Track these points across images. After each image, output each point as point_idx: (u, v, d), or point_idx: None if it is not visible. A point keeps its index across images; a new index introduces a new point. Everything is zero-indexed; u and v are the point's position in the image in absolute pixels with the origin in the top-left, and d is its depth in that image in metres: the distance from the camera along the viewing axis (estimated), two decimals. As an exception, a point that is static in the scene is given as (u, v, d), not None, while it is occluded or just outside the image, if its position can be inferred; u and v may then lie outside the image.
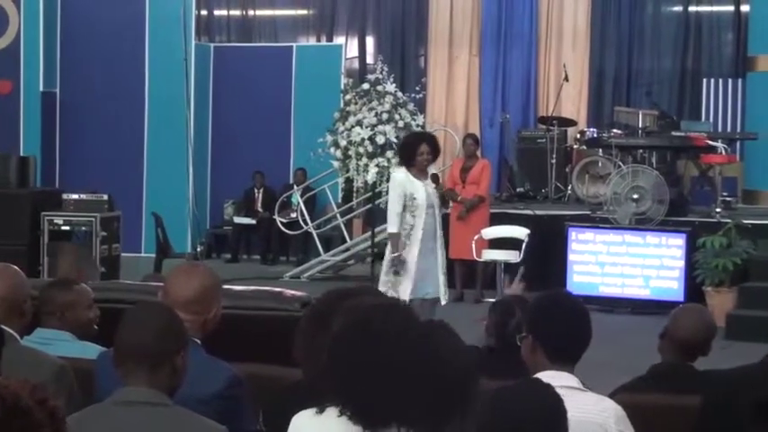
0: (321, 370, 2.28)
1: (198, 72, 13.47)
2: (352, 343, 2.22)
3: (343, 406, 2.21)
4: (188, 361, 2.54)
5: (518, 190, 12.70)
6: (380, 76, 10.97)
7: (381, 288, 7.10)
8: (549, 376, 2.78)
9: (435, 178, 7.30)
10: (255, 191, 13.86)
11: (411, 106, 11.05)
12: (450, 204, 7.01)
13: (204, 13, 15.26)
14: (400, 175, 7.13)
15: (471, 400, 2.21)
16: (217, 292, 3.10)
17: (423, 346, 2.18)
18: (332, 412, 2.25)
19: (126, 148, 13.36)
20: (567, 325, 2.96)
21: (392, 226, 7.14)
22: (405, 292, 7.02)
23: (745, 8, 13.36)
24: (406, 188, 7.04)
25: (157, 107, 13.48)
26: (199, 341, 2.97)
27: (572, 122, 13.16)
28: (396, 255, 7.06)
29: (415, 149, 7.06)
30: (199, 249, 11.70)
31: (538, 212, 11.14)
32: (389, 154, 10.77)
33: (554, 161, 12.44)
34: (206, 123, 14.09)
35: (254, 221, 13.69)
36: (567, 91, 13.40)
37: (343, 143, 10.88)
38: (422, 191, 7.07)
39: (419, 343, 2.18)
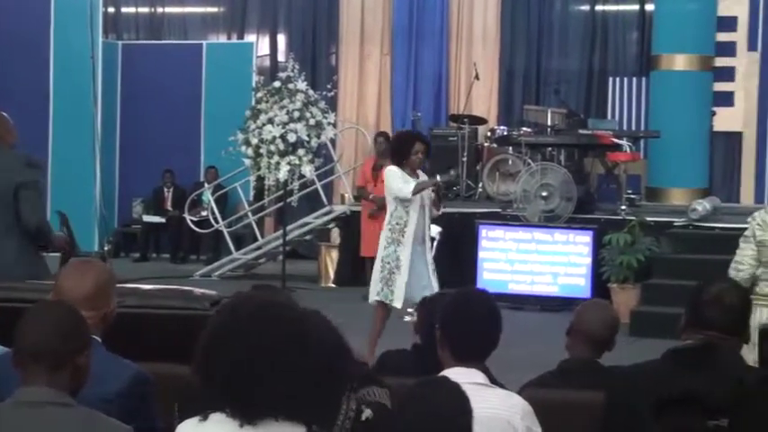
0: (194, 368, 2.24)
1: (105, 70, 13.23)
2: (220, 336, 2.19)
3: (220, 402, 2.19)
4: (91, 360, 2.49)
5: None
6: (292, 74, 10.90)
7: (372, 288, 7.01)
8: (456, 373, 2.79)
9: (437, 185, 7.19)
10: (165, 189, 13.70)
11: (322, 104, 11.01)
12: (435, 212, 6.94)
13: (112, 10, 14.99)
14: (397, 169, 6.95)
15: (343, 385, 2.21)
16: (112, 288, 3.06)
17: (292, 334, 2.15)
18: (215, 417, 2.22)
19: (30, 145, 12.96)
20: (474, 325, 2.97)
21: (410, 185, 6.84)
22: (400, 289, 6.89)
23: (649, 7, 13.65)
24: (404, 178, 6.92)
25: (63, 105, 13.21)
26: (99, 339, 2.92)
27: (483, 120, 13.29)
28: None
29: (410, 148, 6.97)
30: (106, 248, 11.50)
31: (449, 210, 11.20)
32: (301, 152, 10.72)
33: (465, 159, 12.55)
34: (114, 121, 13.86)
35: (163, 220, 13.52)
36: (477, 89, 13.53)
37: (254, 141, 10.79)
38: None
39: (288, 331, 2.16)
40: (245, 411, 2.16)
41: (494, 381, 3.04)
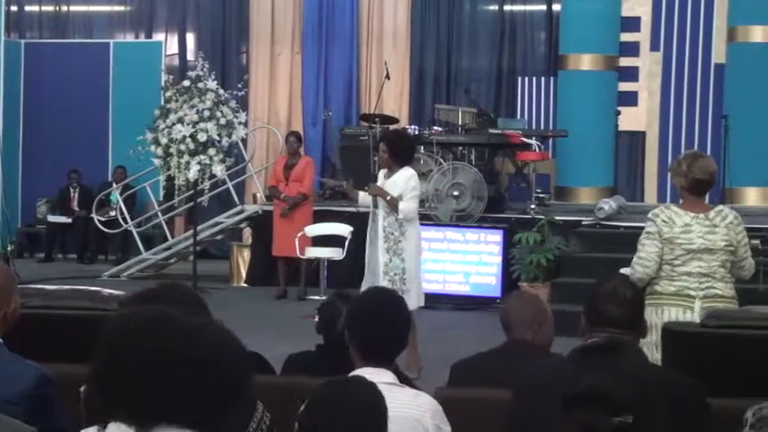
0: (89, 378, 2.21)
1: (7, 69, 12.90)
2: (114, 349, 2.15)
3: (114, 410, 2.15)
4: None
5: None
6: (201, 73, 10.79)
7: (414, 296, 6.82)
8: (366, 373, 2.80)
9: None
10: (71, 189, 13.44)
11: (233, 103, 10.92)
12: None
13: (14, 8, 14.63)
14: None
15: (244, 395, 2.20)
16: (13, 287, 2.97)
17: (186, 342, 2.13)
18: (112, 427, 2.18)
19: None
20: (381, 326, 2.96)
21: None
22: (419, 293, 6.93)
23: (556, 7, 13.87)
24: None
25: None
26: (0, 340, 2.85)
27: (394, 120, 13.31)
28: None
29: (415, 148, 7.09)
30: (9, 248, 11.23)
31: (361, 210, 11.21)
32: (212, 151, 10.62)
33: (377, 158, 12.54)
34: (17, 121, 13.55)
35: (69, 220, 13.27)
36: (388, 89, 13.57)
37: (164, 141, 10.64)
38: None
39: (182, 338, 2.13)
40: (140, 419, 2.10)
41: (403, 380, 3.05)
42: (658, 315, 4.67)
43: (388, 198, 6.81)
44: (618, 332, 2.94)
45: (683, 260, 4.66)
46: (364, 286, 6.89)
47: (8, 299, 2.92)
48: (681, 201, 4.88)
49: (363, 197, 7.22)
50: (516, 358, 3.46)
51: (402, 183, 6.85)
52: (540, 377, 2.95)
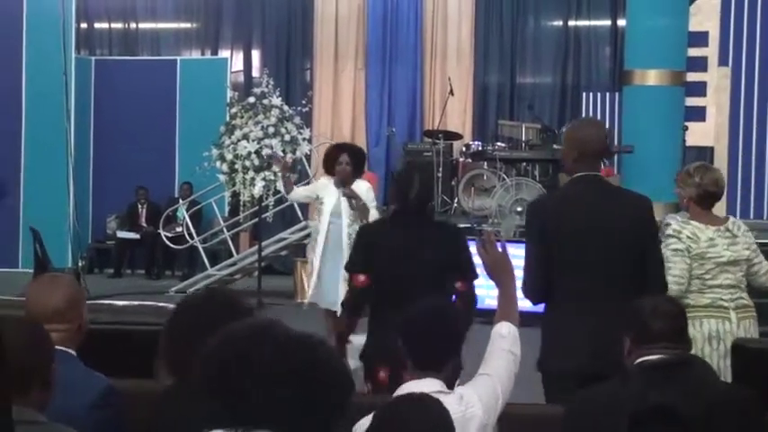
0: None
1: (78, 85, 13.17)
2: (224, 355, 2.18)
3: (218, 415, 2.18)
4: (58, 374, 2.46)
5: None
6: (266, 90, 10.91)
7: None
8: (414, 383, 2.84)
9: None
10: (139, 205, 13.64)
11: (297, 120, 11.01)
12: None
13: (84, 25, 14.94)
14: (322, 179, 7.43)
15: (343, 412, 2.21)
16: (83, 301, 3.05)
17: (293, 352, 2.14)
18: None
19: (2, 162, 13.00)
20: (432, 340, 2.96)
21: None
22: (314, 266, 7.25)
23: (621, 22, 13.76)
24: (318, 189, 7.41)
25: (35, 120, 13.14)
26: (74, 352, 2.91)
27: (457, 136, 13.31)
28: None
29: (336, 159, 7.15)
30: (81, 264, 11.43)
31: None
32: (276, 167, 10.70)
33: (440, 174, 12.56)
34: (87, 137, 13.80)
35: (137, 236, 13.46)
36: (452, 105, 13.57)
37: (229, 157, 10.77)
38: (333, 198, 7.16)
39: (301, 350, 2.15)
40: (242, 423, 2.11)
41: (451, 386, 3.04)
42: (696, 328, 4.63)
43: (361, 203, 6.89)
44: (671, 346, 2.93)
45: (713, 274, 4.64)
46: (314, 299, 7.09)
47: (78, 313, 2.99)
48: (688, 213, 4.89)
49: (298, 194, 7.79)
50: None
51: (364, 193, 7.07)
52: (602, 396, 2.94)
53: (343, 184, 7.02)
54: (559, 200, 4.24)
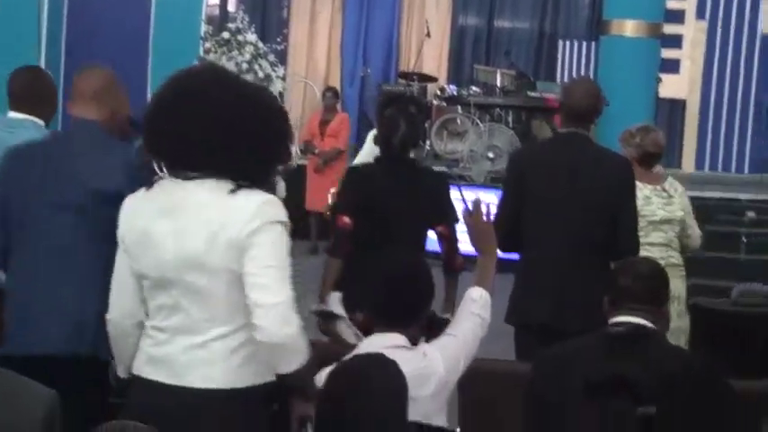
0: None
1: (50, 15, 12.92)
2: (162, 96, 2.52)
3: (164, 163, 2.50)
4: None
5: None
6: (241, 26, 10.78)
7: None
8: (377, 338, 2.88)
9: None
10: (109, 137, 13.54)
11: (272, 57, 10.91)
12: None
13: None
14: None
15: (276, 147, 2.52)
16: (118, 88, 3.38)
17: (229, 95, 2.43)
18: (159, 182, 2.50)
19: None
20: (385, 291, 2.95)
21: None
22: None
23: (603, -30, 13.69)
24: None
25: (4, 55, 12.91)
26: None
27: (432, 79, 13.25)
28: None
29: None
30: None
31: (395, 167, 11.23)
32: (248, 104, 10.65)
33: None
34: (58, 66, 13.60)
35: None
36: (428, 47, 13.48)
37: (201, 91, 10.68)
38: None
39: (224, 92, 2.42)
40: (171, 163, 2.45)
41: (415, 342, 3.04)
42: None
43: None
44: (638, 307, 2.94)
45: (646, 231, 4.70)
46: None
47: (116, 96, 3.35)
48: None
49: None
50: None
51: None
52: (562, 357, 2.97)
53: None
54: (538, 153, 4.26)
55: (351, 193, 4.22)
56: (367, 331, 3.01)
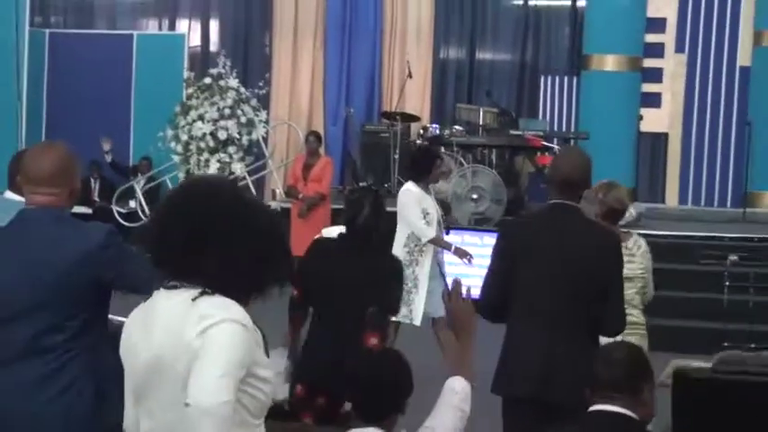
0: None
1: (32, 58, 12.94)
2: (162, 208, 2.49)
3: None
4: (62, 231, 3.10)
5: (361, 184, 12.77)
6: (223, 71, 10.81)
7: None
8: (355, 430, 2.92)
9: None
10: (92, 180, 13.49)
11: (254, 102, 10.93)
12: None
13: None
14: (416, 188, 7.05)
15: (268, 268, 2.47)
16: (76, 165, 3.33)
17: (222, 209, 2.41)
18: (154, 294, 2.48)
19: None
20: (364, 392, 3.02)
21: (429, 231, 7.02)
22: (418, 308, 7.00)
23: (581, 3, 13.77)
24: (421, 202, 7.03)
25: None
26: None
27: (415, 118, 13.29)
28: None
29: (434, 162, 7.14)
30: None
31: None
32: (231, 149, 10.66)
33: (397, 156, 12.56)
34: (40, 110, 13.60)
35: (90, 211, 13.32)
36: (410, 87, 13.52)
37: (184, 138, 10.68)
38: (433, 205, 7.11)
39: (218, 205, 2.41)
40: (164, 271, 2.43)
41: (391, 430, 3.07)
42: None
43: None
44: (615, 395, 2.95)
45: None
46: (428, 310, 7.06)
47: (73, 177, 3.28)
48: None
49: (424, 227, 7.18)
50: None
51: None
52: None
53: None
54: (528, 226, 4.27)
55: (304, 263, 4.36)
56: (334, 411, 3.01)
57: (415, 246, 7.09)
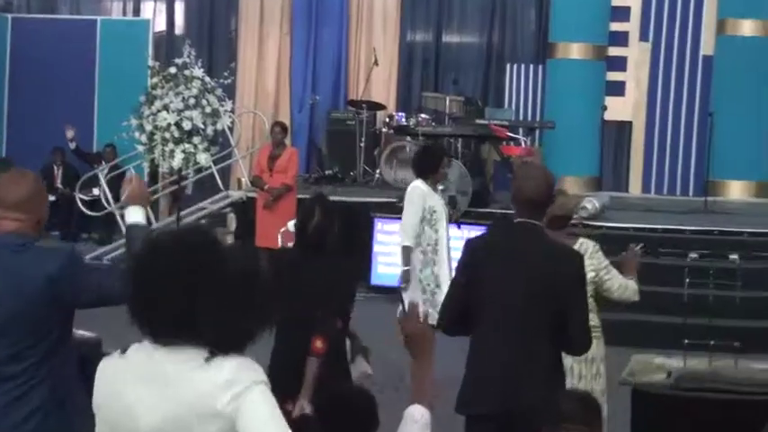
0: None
1: (-6, 44, 12.81)
2: (137, 263, 2.43)
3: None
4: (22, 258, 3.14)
5: (327, 172, 12.78)
6: (188, 60, 10.72)
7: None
8: None
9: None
10: (55, 167, 13.39)
11: (219, 92, 10.85)
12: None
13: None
14: (424, 186, 7.00)
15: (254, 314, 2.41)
16: (45, 195, 3.40)
17: (201, 260, 2.36)
18: (133, 347, 2.41)
19: None
20: (335, 424, 3.06)
21: (407, 239, 6.94)
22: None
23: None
24: (427, 200, 6.98)
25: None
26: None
27: (381, 106, 13.28)
28: (406, 269, 6.97)
29: (441, 160, 7.09)
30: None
31: (345, 199, 11.23)
32: (196, 140, 10.58)
33: (363, 144, 12.57)
34: (2, 96, 13.47)
35: (53, 197, 13.22)
36: (376, 74, 13.50)
37: (148, 128, 10.59)
38: (440, 203, 7.06)
39: (197, 257, 2.36)
40: (153, 332, 2.36)
41: None
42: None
43: None
44: (571, 427, 3.01)
45: None
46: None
47: (41, 205, 3.32)
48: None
49: (413, 230, 7.12)
50: None
51: None
52: None
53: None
54: (493, 243, 4.25)
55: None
56: None
57: (428, 245, 7.09)
